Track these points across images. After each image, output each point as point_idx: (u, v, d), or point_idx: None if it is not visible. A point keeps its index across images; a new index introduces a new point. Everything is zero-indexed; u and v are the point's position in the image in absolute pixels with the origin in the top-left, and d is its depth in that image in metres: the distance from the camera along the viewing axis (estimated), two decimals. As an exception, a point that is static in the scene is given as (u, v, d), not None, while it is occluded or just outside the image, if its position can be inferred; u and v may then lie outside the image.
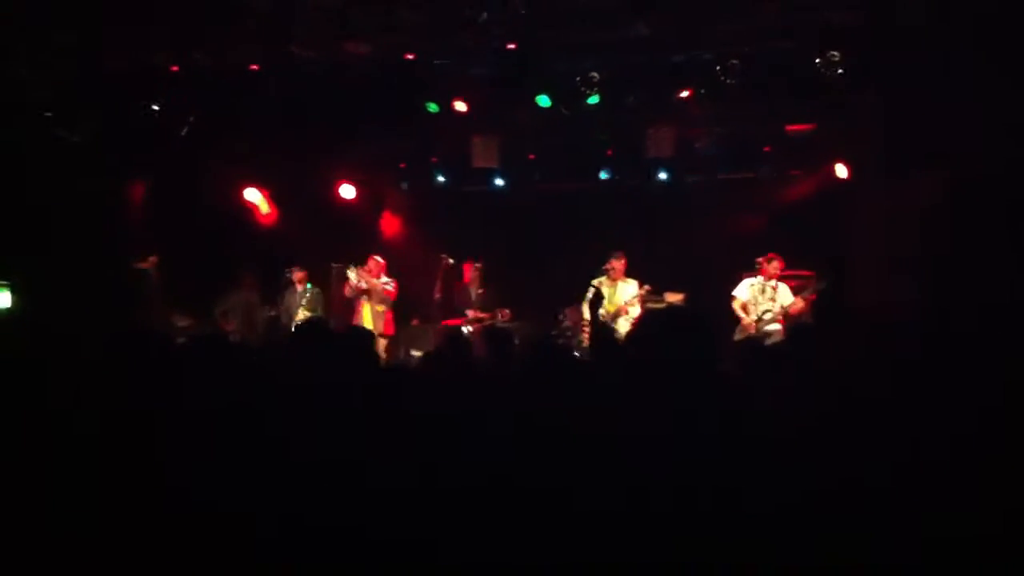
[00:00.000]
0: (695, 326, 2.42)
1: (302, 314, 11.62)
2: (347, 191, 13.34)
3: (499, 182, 12.98)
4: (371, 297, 11.44)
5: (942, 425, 2.55)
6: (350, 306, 11.61)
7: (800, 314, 10.44)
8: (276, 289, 11.89)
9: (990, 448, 2.39)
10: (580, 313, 11.61)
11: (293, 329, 11.22)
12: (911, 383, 2.81)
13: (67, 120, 10.48)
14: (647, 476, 2.17)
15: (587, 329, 11.04)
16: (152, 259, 11.89)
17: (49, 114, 10.31)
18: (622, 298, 11.01)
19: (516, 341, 6.25)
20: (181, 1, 9.35)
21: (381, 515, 2.50)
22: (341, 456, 2.72)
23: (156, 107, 10.36)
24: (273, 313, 11.88)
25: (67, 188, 10.93)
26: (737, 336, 10.29)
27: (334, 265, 11.83)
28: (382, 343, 11.03)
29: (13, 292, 10.99)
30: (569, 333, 11.75)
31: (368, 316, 11.36)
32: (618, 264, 11.12)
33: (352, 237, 12.63)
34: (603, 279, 11.10)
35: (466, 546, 2.38)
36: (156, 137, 10.84)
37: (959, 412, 2.60)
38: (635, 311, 10.90)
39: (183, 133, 10.51)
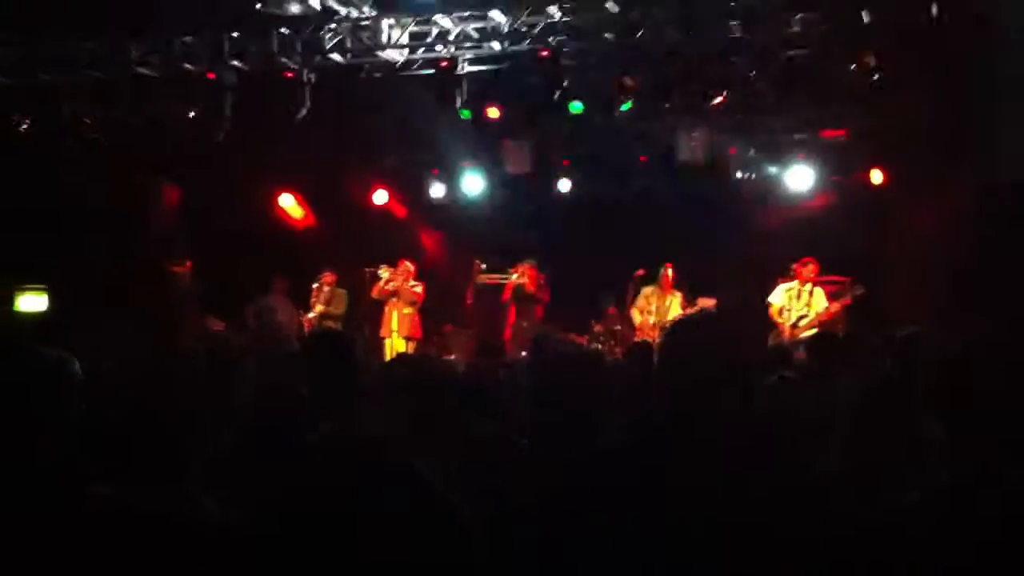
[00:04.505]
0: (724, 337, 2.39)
1: (318, 309, 11.71)
2: (380, 196, 13.39)
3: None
4: (400, 299, 11.50)
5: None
6: (379, 308, 11.66)
7: (833, 319, 10.32)
8: (308, 293, 11.94)
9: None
10: (616, 319, 11.58)
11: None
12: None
13: (103, 125, 10.59)
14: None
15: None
16: (187, 263, 12.01)
17: (87, 120, 10.42)
18: (670, 312, 10.96)
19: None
20: (217, 8, 9.44)
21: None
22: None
23: (192, 113, 10.45)
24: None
25: (103, 192, 11.05)
26: (771, 341, 10.20)
27: (367, 270, 11.89)
28: (410, 346, 11.08)
29: (49, 296, 11.12)
30: (601, 339, 11.72)
31: (395, 318, 11.42)
32: (669, 274, 11.15)
33: (385, 242, 12.68)
34: (654, 288, 11.08)
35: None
36: (192, 142, 10.93)
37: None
38: None
39: (219, 139, 10.59)
